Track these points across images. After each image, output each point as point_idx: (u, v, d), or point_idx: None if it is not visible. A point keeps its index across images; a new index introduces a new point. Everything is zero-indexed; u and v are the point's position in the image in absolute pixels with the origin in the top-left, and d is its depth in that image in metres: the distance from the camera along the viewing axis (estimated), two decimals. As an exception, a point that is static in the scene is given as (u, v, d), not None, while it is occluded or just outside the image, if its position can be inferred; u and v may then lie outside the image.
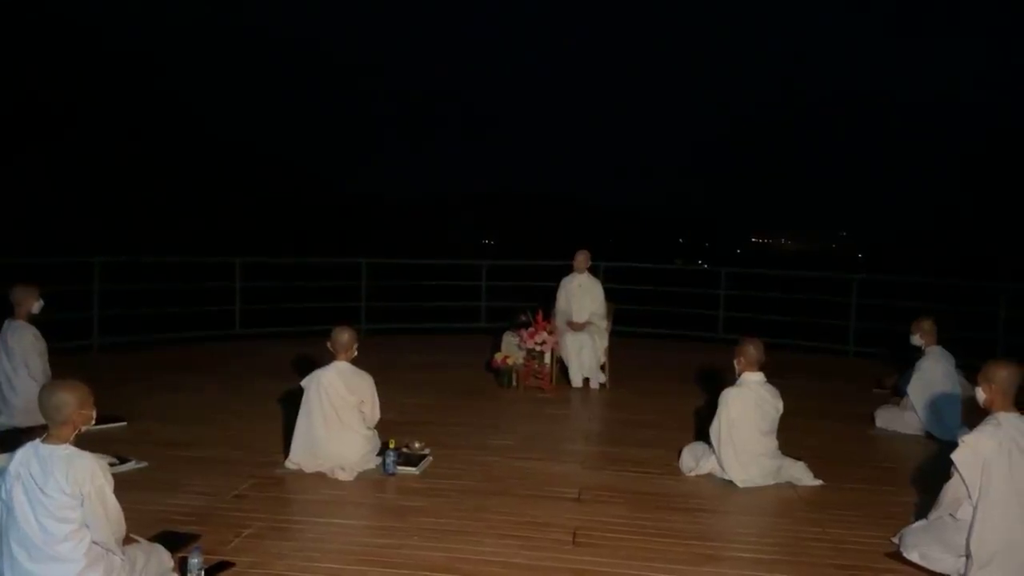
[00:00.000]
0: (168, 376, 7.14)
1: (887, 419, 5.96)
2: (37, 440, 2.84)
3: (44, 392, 2.87)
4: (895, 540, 3.74)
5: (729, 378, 4.88)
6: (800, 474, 4.61)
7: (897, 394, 6.28)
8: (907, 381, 5.91)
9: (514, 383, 6.96)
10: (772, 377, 4.73)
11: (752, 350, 4.64)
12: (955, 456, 3.43)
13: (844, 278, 9.73)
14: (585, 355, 7.02)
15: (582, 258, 7.39)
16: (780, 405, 4.64)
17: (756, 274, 11.21)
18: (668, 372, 7.95)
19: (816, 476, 4.61)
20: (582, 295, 7.29)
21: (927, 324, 5.97)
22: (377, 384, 4.78)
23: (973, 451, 3.38)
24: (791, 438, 4.89)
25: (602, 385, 7.08)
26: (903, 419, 5.85)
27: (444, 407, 6.27)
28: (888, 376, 7.06)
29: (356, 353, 4.75)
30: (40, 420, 4.85)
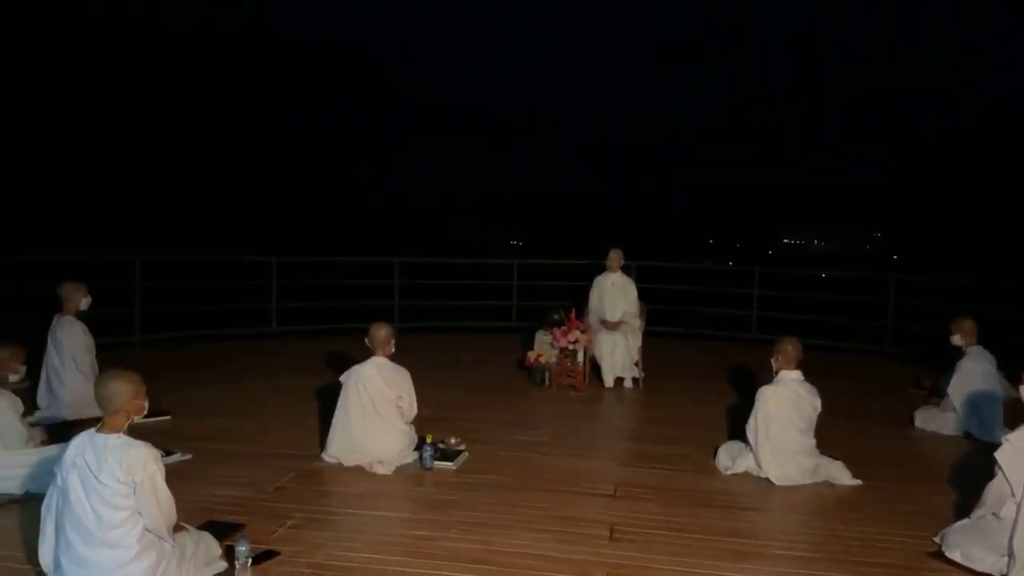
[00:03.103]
0: (207, 371, 7.29)
1: (926, 419, 5.89)
2: (92, 429, 2.93)
3: (99, 382, 2.96)
4: (937, 540, 3.71)
5: (764, 377, 4.86)
6: (838, 473, 4.58)
7: (936, 394, 6.20)
8: (947, 381, 5.84)
9: (547, 381, 6.99)
10: (809, 377, 4.71)
11: (790, 348, 4.63)
12: (998, 454, 3.40)
13: (880, 278, 9.61)
14: (618, 354, 7.02)
15: (615, 256, 7.39)
16: (818, 403, 4.62)
17: (789, 274, 11.11)
18: (701, 371, 7.93)
19: (854, 476, 4.58)
20: (615, 294, 7.29)
21: (967, 324, 5.89)
22: (412, 380, 4.84)
23: (1016, 449, 3.35)
24: (829, 437, 4.86)
25: (636, 382, 7.08)
26: (943, 419, 5.78)
27: (477, 404, 6.32)
28: (926, 376, 6.97)
29: (393, 349, 4.82)
30: (87, 414, 5.07)
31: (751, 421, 4.62)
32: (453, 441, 5.01)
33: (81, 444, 2.90)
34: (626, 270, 7.57)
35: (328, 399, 5.04)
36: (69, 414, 5.39)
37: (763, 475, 4.56)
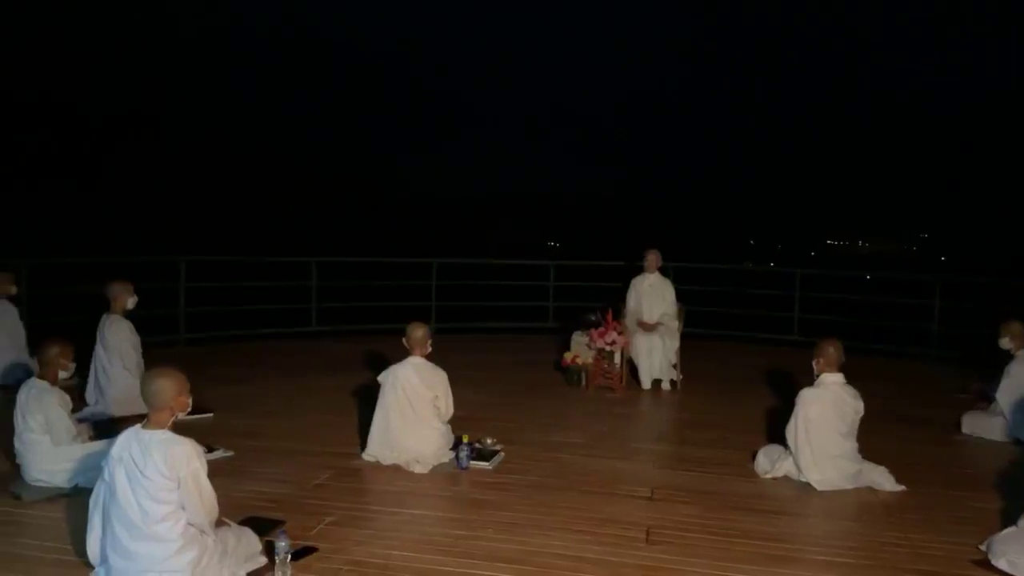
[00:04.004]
0: (249, 370, 7.42)
1: (973, 424, 5.74)
2: (138, 425, 3.01)
3: (145, 379, 3.04)
4: (982, 547, 3.62)
5: (804, 380, 4.79)
6: (881, 479, 4.49)
7: (984, 399, 6.05)
8: (995, 386, 5.69)
9: (583, 383, 6.97)
10: (851, 380, 4.63)
11: (832, 350, 4.55)
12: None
13: (927, 280, 9.40)
14: (656, 356, 6.97)
15: (652, 258, 7.34)
16: (860, 407, 4.53)
17: (832, 275, 10.92)
18: (740, 374, 7.83)
19: (898, 481, 4.49)
20: (652, 295, 7.24)
21: (1016, 327, 5.73)
22: (449, 381, 4.87)
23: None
24: (872, 442, 4.77)
25: (673, 385, 7.02)
26: (990, 424, 5.63)
27: (514, 405, 6.33)
28: (973, 380, 6.81)
29: (430, 349, 4.86)
30: (133, 410, 5.18)
31: (791, 424, 4.56)
32: (489, 441, 5.02)
33: (127, 440, 2.98)
34: (663, 271, 7.52)
35: (366, 398, 5.09)
36: (116, 410, 5.53)
37: (803, 479, 4.50)
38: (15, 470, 4.24)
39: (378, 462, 4.68)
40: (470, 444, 4.76)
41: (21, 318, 6.71)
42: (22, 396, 4.19)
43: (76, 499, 3.86)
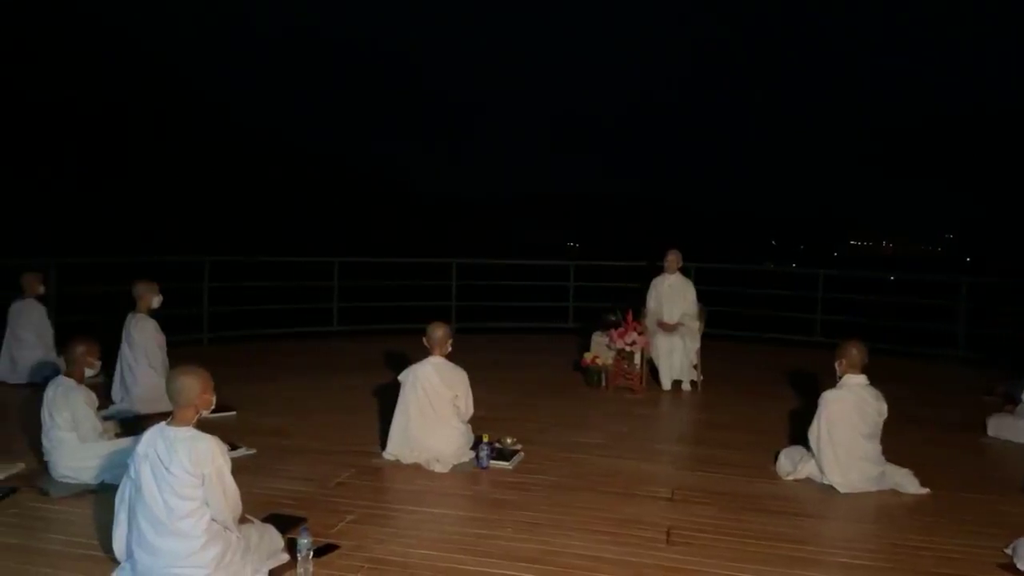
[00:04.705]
0: (271, 369, 7.49)
1: (999, 427, 5.66)
2: (163, 423, 3.05)
3: (170, 377, 3.08)
4: (1008, 551, 3.57)
5: (827, 382, 4.75)
6: (905, 481, 4.44)
7: (1010, 401, 5.97)
8: (1022, 387, 5.61)
9: (603, 383, 6.96)
10: (875, 382, 4.58)
11: (855, 351, 4.51)
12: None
13: (952, 280, 9.28)
14: (676, 357, 6.95)
15: (673, 258, 7.31)
16: (884, 409, 4.49)
17: (856, 276, 10.82)
18: (761, 375, 7.78)
19: (922, 484, 4.44)
20: (672, 296, 7.22)
21: (1044, 328, 5.66)
22: (469, 380, 4.88)
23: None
24: (895, 444, 4.72)
25: (694, 385, 6.99)
26: (1017, 427, 5.55)
27: (533, 405, 6.33)
28: (998, 382, 6.71)
29: (450, 349, 4.87)
30: (158, 408, 5.25)
31: (814, 426, 4.52)
32: (509, 441, 5.03)
33: (152, 437, 3.02)
34: (684, 272, 7.49)
35: (387, 397, 5.12)
36: (141, 408, 5.60)
37: (826, 481, 4.46)
38: (43, 467, 4.32)
39: (398, 461, 4.71)
40: (490, 444, 4.78)
41: (48, 317, 6.83)
42: (49, 393, 4.26)
43: (102, 495, 3.91)
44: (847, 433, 4.42)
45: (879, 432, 4.53)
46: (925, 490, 4.41)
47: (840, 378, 4.58)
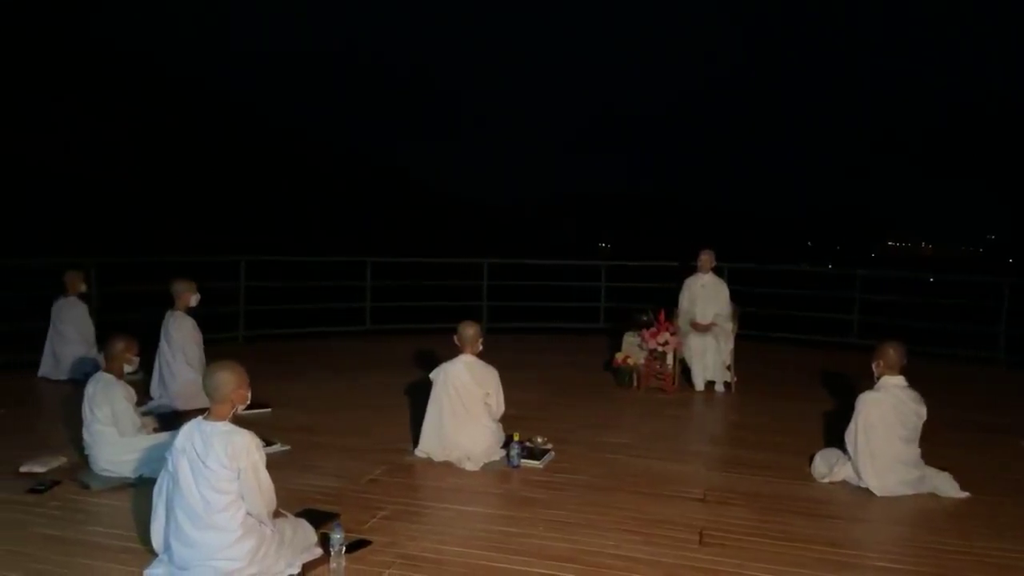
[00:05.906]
0: (305, 367, 7.58)
1: (1043, 432, 5.52)
2: (200, 418, 3.10)
3: (207, 373, 3.13)
4: (1052, 558, 3.48)
5: (864, 383, 4.67)
6: (944, 485, 4.35)
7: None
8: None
9: (634, 383, 6.92)
10: (914, 384, 4.49)
11: (892, 352, 4.43)
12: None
13: (994, 281, 9.07)
14: (709, 357, 6.88)
15: (706, 258, 7.24)
16: (923, 411, 4.40)
17: (894, 277, 10.62)
18: (797, 376, 7.67)
19: (962, 488, 4.34)
20: (706, 296, 7.14)
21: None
22: (500, 379, 4.89)
23: None
24: (935, 448, 4.63)
25: (727, 386, 6.92)
26: (1062, 432, 5.41)
27: (564, 404, 6.32)
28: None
29: (481, 348, 4.89)
30: (195, 404, 5.34)
31: (850, 428, 4.45)
32: (540, 440, 5.03)
33: (189, 431, 3.07)
34: (718, 272, 7.41)
35: (419, 395, 5.15)
36: (179, 404, 5.71)
37: (862, 485, 4.39)
38: (84, 460, 4.42)
39: (430, 458, 4.73)
40: (521, 443, 4.78)
41: (90, 314, 6.99)
42: (90, 389, 4.35)
43: (141, 489, 3.99)
44: (884, 436, 4.34)
45: (918, 435, 4.44)
46: (964, 494, 4.32)
47: (878, 380, 4.50)
